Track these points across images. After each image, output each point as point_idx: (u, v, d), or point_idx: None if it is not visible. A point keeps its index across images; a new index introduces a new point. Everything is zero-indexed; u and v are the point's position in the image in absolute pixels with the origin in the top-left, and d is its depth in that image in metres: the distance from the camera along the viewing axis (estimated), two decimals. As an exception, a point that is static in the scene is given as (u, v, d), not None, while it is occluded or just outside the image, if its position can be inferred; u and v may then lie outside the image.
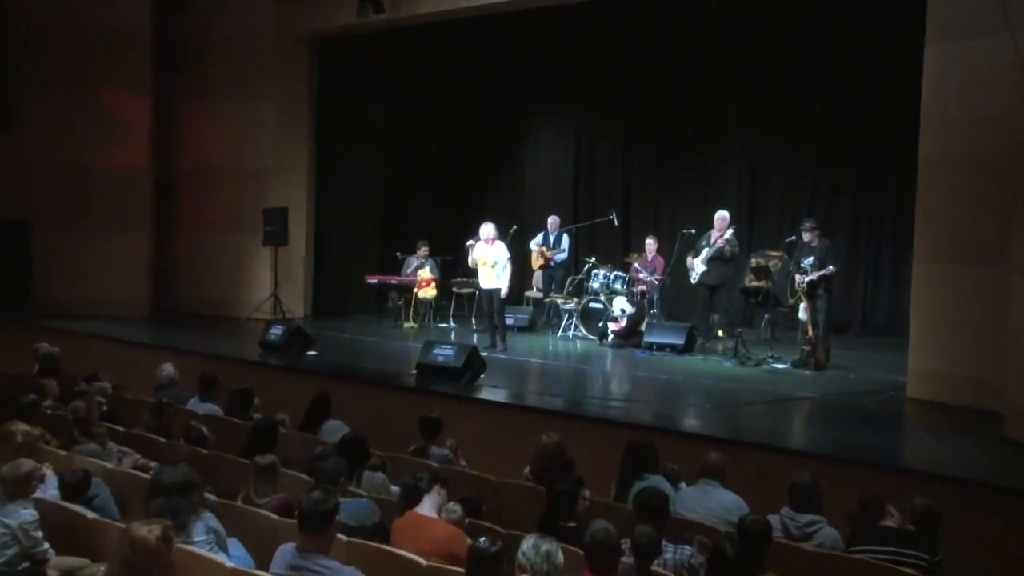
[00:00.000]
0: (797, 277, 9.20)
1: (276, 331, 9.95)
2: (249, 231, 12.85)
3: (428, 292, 12.16)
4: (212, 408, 7.02)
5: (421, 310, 12.31)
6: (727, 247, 10.22)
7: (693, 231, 11.09)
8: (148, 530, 3.34)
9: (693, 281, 10.62)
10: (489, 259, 10.05)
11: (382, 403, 8.14)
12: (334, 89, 13.44)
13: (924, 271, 8.14)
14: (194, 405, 7.12)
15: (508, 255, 10.16)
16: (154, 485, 4.19)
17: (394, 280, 12.37)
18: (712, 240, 10.44)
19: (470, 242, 10.31)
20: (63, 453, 5.41)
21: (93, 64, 12.56)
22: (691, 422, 7.32)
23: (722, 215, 10.54)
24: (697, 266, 10.46)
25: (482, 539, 3.68)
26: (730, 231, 10.23)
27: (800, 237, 9.38)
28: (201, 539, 4.05)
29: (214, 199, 13.29)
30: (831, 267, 9.01)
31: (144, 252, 13.11)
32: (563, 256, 12.19)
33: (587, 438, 6.70)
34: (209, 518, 4.18)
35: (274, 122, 13.03)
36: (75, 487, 4.67)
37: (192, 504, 4.10)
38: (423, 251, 12.35)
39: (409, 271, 12.35)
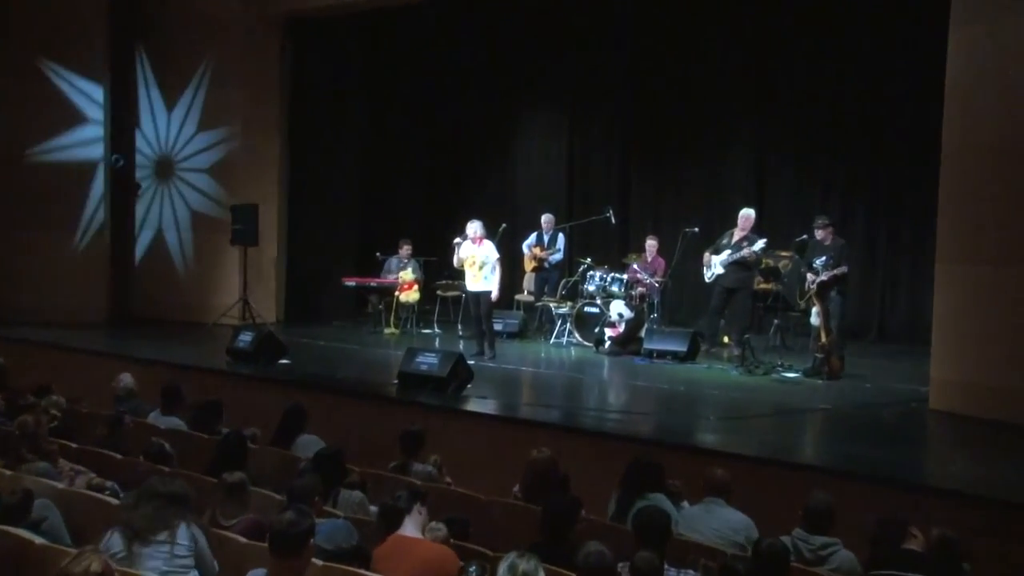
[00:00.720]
0: (808, 277, 9.21)
1: (245, 338, 9.90)
2: (216, 230, 12.80)
3: (411, 295, 12.14)
4: (175, 422, 6.97)
5: (403, 315, 12.29)
6: (752, 256, 10.18)
7: (696, 230, 11.10)
8: (83, 568, 3.29)
9: (708, 279, 10.54)
10: (476, 260, 10.03)
11: (360, 416, 8.10)
12: (308, 76, 13.41)
13: (947, 272, 8.13)
14: (155, 419, 7.07)
15: (497, 255, 10.15)
16: (144, 492, 4.19)
17: (374, 282, 12.33)
18: (735, 239, 10.40)
19: (456, 240, 10.29)
20: (8, 473, 5.35)
21: (43, 49, 12.45)
22: (694, 435, 7.31)
23: (747, 214, 10.48)
24: (715, 265, 10.42)
25: (472, 568, 3.64)
26: (761, 243, 10.14)
27: (812, 236, 9.39)
28: (183, 544, 4.08)
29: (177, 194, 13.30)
30: (844, 267, 9.02)
31: (102, 253, 13.04)
32: (558, 256, 12.19)
33: (582, 453, 6.69)
34: (198, 532, 4.18)
35: (242, 111, 12.98)
36: (14, 508, 4.53)
37: (181, 515, 4.14)
38: (405, 251, 12.32)
39: (390, 273, 12.32)
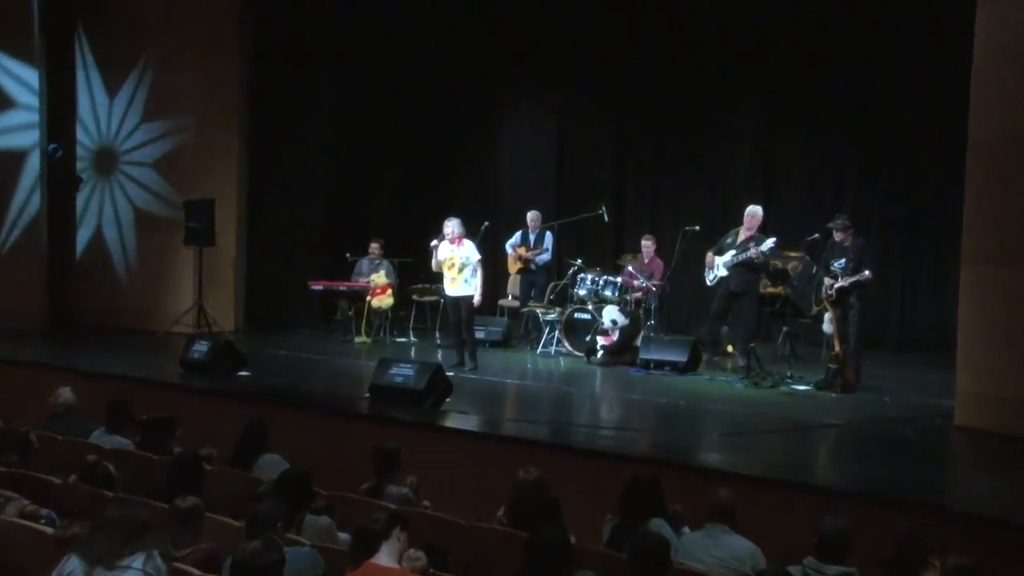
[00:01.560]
0: (826, 281, 9.22)
1: (200, 348, 9.86)
2: (167, 228, 12.75)
3: (384, 301, 12.11)
4: (121, 441, 6.92)
5: (375, 322, 12.26)
6: (760, 257, 10.20)
7: (697, 228, 11.12)
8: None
9: (710, 282, 10.56)
10: (456, 261, 10.03)
11: (328, 433, 8.08)
12: (271, 60, 13.35)
13: (973, 275, 8.13)
14: (99, 438, 7.01)
15: (479, 256, 10.14)
16: (103, 519, 4.16)
17: (343, 286, 12.31)
18: (740, 239, 10.42)
19: (433, 243, 10.27)
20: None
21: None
22: (696, 454, 7.32)
23: (754, 211, 10.49)
24: (718, 267, 10.44)
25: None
26: (770, 243, 10.15)
27: (830, 236, 9.40)
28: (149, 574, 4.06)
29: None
30: (867, 272, 9.01)
31: (35, 252, 12.95)
32: (546, 257, 12.20)
33: (573, 473, 6.68)
34: (161, 564, 4.16)
35: (195, 98, 12.93)
36: None
37: (143, 544, 4.12)
38: (377, 251, 12.31)
39: (361, 276, 12.29)
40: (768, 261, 10.34)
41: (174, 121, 12.99)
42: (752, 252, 10.15)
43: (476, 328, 10.75)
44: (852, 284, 9.05)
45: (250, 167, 13.37)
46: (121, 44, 13.07)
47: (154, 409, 7.41)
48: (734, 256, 10.31)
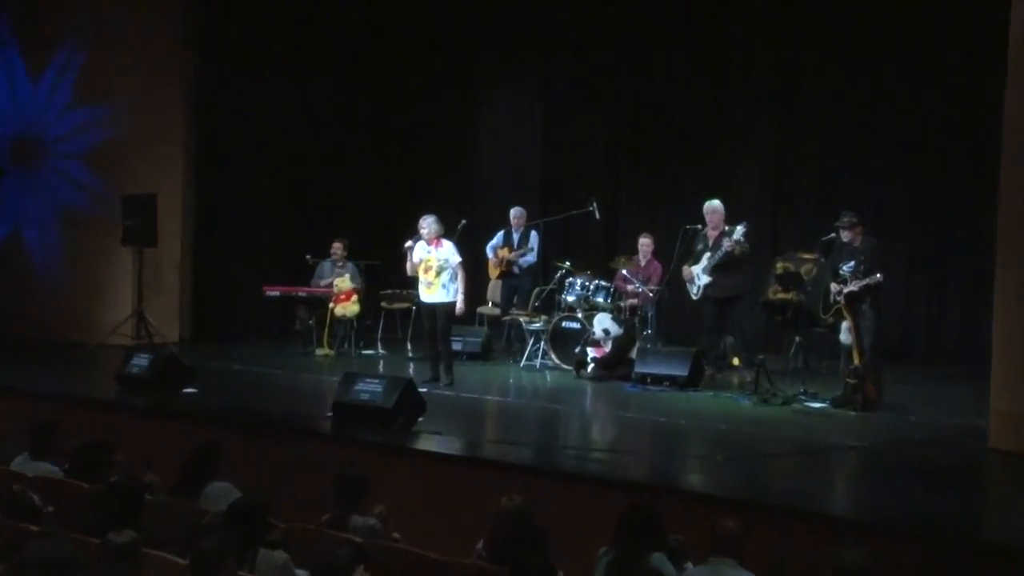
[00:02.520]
0: (833, 287, 9.24)
1: (140, 362, 9.80)
2: (102, 227, 12.70)
3: (348, 308, 12.08)
4: (48, 468, 6.85)
5: (339, 332, 12.25)
6: (736, 248, 10.27)
7: (700, 227, 11.11)
8: None
9: (695, 297, 10.69)
10: (433, 264, 10.02)
11: (286, 457, 8.04)
12: (222, 37, 13.31)
13: (1010, 280, 8.12)
14: (22, 464, 6.93)
15: (459, 259, 10.14)
16: (23, 560, 4.10)
17: (303, 292, 12.29)
18: (711, 241, 10.49)
19: (408, 245, 10.24)
20: None
21: None
22: (699, 479, 7.32)
23: (713, 206, 10.64)
24: (699, 277, 10.51)
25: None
26: (740, 228, 10.27)
27: (838, 235, 9.43)
28: None
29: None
30: (878, 275, 9.03)
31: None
32: (531, 259, 12.19)
33: (562, 501, 6.67)
34: None
35: (133, 79, 12.85)
36: None
37: None
38: (341, 252, 12.29)
39: (323, 280, 12.25)
40: (747, 249, 10.38)
41: (109, 107, 12.91)
42: (727, 245, 10.24)
43: (453, 339, 10.72)
44: (863, 289, 9.06)
45: (197, 159, 13.33)
46: (47, 19, 12.98)
47: (86, 432, 7.35)
48: (711, 259, 10.40)
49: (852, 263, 9.20)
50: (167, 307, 12.93)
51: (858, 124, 12.38)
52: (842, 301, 9.16)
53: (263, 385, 10.56)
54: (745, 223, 10.40)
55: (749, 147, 13.03)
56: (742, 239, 10.31)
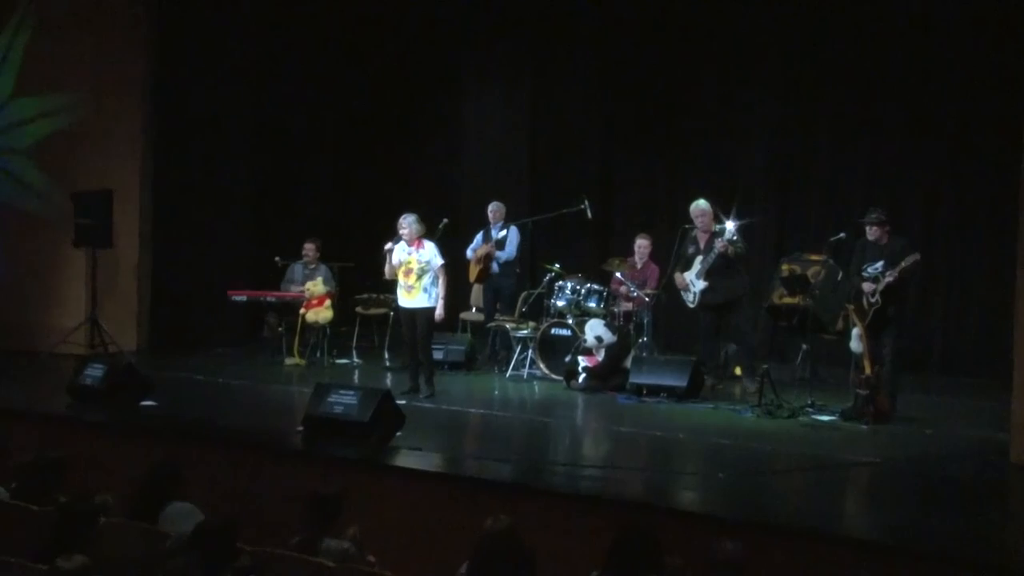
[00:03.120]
0: (866, 287, 9.23)
1: (95, 372, 9.77)
2: (51, 227, 12.68)
3: (321, 314, 12.07)
4: (-7, 487, 6.83)
5: (311, 340, 12.24)
6: (729, 248, 10.30)
7: (688, 227, 11.12)
8: None
9: (692, 305, 10.75)
10: (414, 267, 10.04)
11: (253, 475, 8.03)
12: (181, 21, 13.28)
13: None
14: (-34, 484, 6.91)
15: (441, 261, 10.14)
16: None
17: (272, 296, 12.28)
18: (702, 244, 10.52)
19: (389, 245, 10.23)
20: None
21: None
22: (698, 498, 7.32)
23: (701, 207, 10.71)
24: (693, 283, 10.55)
25: None
26: (731, 226, 10.31)
27: (860, 236, 9.43)
28: None
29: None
30: (915, 255, 9.00)
31: None
32: (510, 252, 12.18)
33: (551, 522, 6.67)
34: None
35: (87, 67, 12.84)
36: None
37: None
38: (313, 254, 12.28)
39: (294, 283, 12.25)
40: (741, 248, 10.41)
41: (59, 97, 12.88)
42: (719, 245, 10.29)
43: (434, 347, 10.73)
44: (901, 275, 9.00)
45: (156, 152, 13.25)
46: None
47: (35, 448, 7.32)
48: (703, 262, 10.46)
49: (880, 263, 9.18)
50: (123, 313, 12.87)
51: (872, 116, 12.38)
52: (878, 301, 9.13)
53: (228, 397, 10.53)
54: (735, 219, 10.44)
55: (753, 140, 13.03)
56: (735, 238, 10.36)
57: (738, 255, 10.46)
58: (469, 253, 12.31)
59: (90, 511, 5.87)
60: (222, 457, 8.29)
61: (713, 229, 10.54)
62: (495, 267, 12.15)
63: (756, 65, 12.96)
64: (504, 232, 12.20)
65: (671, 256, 11.09)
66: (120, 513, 6.51)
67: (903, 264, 9.03)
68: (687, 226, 11.09)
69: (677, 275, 10.73)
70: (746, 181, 12.70)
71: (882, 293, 9.13)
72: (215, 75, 13.51)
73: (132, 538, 5.99)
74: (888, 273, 9.08)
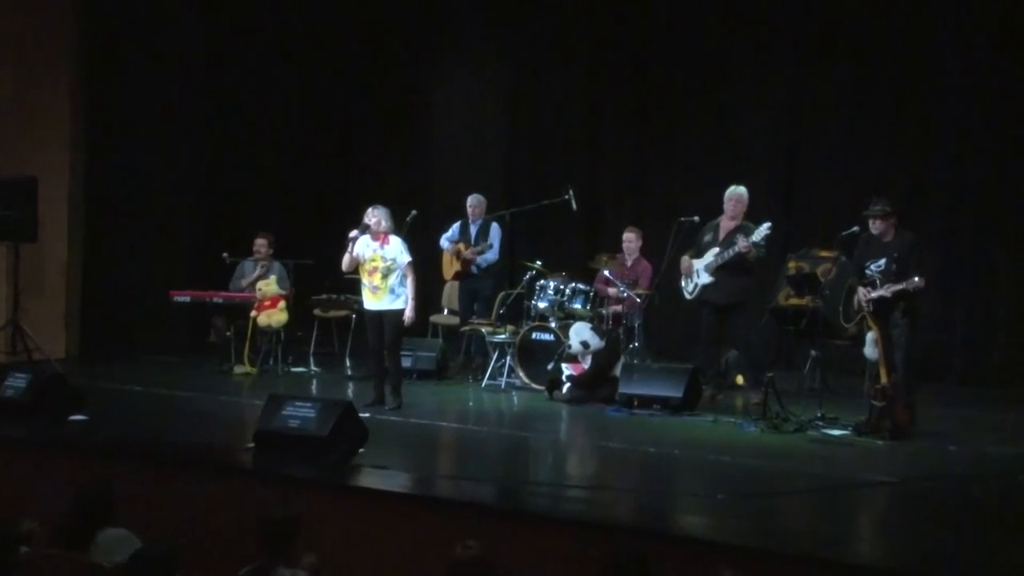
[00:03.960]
0: (860, 291, 9.26)
1: (16, 383, 9.72)
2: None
3: (274, 316, 12.06)
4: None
5: (263, 346, 12.24)
6: (752, 250, 10.30)
7: (697, 219, 11.17)
8: None
9: (689, 296, 10.77)
10: (380, 264, 10.05)
11: (198, 498, 7.99)
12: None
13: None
14: None
15: (409, 259, 10.14)
16: None
17: (219, 297, 12.25)
18: (720, 234, 10.52)
19: (353, 233, 10.19)
20: None
21: None
22: (695, 521, 7.31)
23: (737, 193, 10.68)
24: (699, 273, 10.54)
25: None
26: (764, 229, 10.28)
27: (865, 228, 9.45)
28: None
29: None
30: (916, 279, 9.02)
31: None
32: (492, 256, 12.21)
33: (530, 548, 6.67)
34: None
35: (10, 41, 12.78)
36: None
37: None
38: (265, 250, 12.29)
39: (244, 283, 12.23)
40: (762, 255, 10.42)
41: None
42: (741, 244, 10.27)
43: (402, 353, 10.73)
44: (896, 294, 9.05)
45: (89, 136, 13.25)
46: None
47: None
48: (718, 255, 10.47)
49: (883, 260, 9.19)
50: (50, 316, 12.87)
51: (889, 99, 12.46)
52: (868, 308, 9.16)
53: (169, 410, 10.47)
54: (770, 224, 10.40)
55: (757, 124, 13.08)
56: (762, 242, 10.32)
57: (757, 260, 10.46)
58: (444, 244, 12.32)
59: (11, 540, 5.84)
60: (162, 478, 8.25)
61: (740, 223, 10.51)
62: (474, 269, 12.16)
63: (758, 42, 13.01)
64: (489, 232, 12.17)
65: (665, 252, 11.11)
66: (46, 542, 6.48)
67: (903, 285, 8.95)
68: (682, 219, 11.13)
69: (684, 258, 10.72)
70: (748, 168, 12.69)
71: (872, 301, 9.14)
72: (155, 54, 13.49)
73: (60, 570, 5.96)
74: (885, 287, 9.06)
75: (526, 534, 6.93)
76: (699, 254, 10.64)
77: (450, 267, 12.33)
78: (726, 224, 10.62)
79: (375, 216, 10.05)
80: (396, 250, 10.08)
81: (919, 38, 12.17)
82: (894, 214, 9.34)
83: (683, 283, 10.75)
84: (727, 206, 10.66)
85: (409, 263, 10.10)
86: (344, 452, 8.24)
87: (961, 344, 12.22)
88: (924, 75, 12.21)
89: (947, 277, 11.98)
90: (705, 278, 10.55)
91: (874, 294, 9.12)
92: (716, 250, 10.51)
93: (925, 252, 9.81)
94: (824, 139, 12.87)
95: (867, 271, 9.29)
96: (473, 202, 12.34)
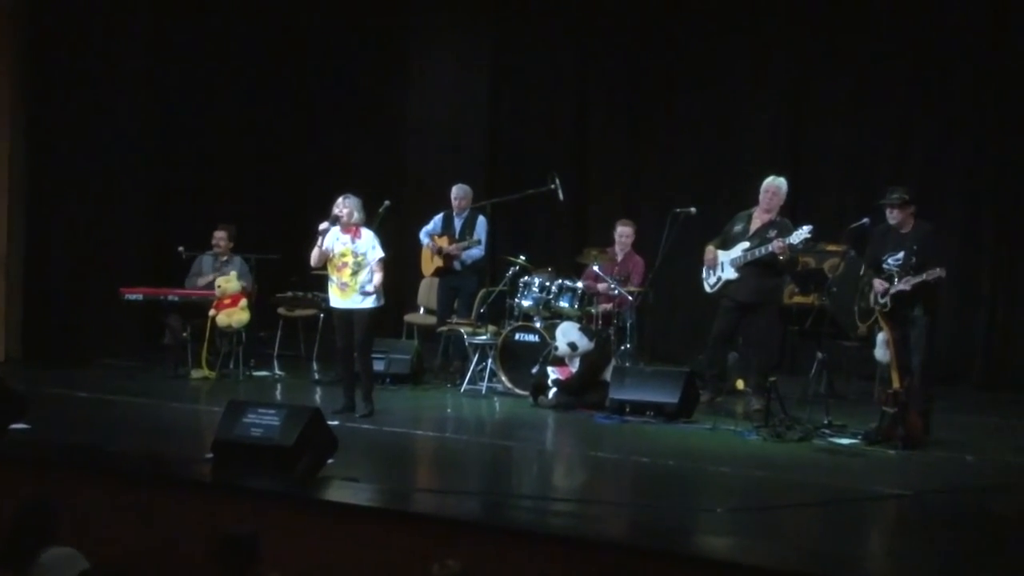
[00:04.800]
0: (876, 285, 9.25)
1: (-46, 388, 9.70)
2: None
3: (235, 316, 12.03)
4: None
5: (222, 347, 12.23)
6: (787, 252, 10.27)
7: (693, 211, 11.18)
8: None
9: (710, 288, 10.72)
10: (351, 258, 10.06)
11: (150, 514, 7.95)
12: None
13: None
14: None
15: (382, 254, 10.14)
16: None
17: (174, 295, 12.23)
18: (753, 227, 10.51)
19: (324, 225, 10.18)
20: None
21: None
22: (693, 538, 7.32)
23: (775, 186, 10.62)
24: (723, 267, 10.53)
25: None
26: (804, 232, 10.19)
27: (879, 219, 9.46)
28: None
29: None
30: (938, 270, 9.03)
31: None
32: (478, 253, 12.21)
33: (513, 567, 6.65)
34: None
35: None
36: None
37: None
38: (225, 244, 12.28)
39: (202, 279, 12.22)
40: (798, 259, 10.40)
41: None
42: (776, 245, 10.20)
43: (374, 356, 10.74)
44: (916, 287, 9.06)
45: (29, 126, 13.22)
46: None
47: None
48: (747, 251, 10.39)
49: (901, 254, 9.20)
50: (-11, 317, 12.83)
51: (901, 82, 12.51)
52: (887, 304, 9.14)
53: (119, 418, 10.45)
54: (812, 227, 10.28)
55: (756, 108, 13.11)
56: (799, 245, 10.28)
57: (789, 263, 10.46)
58: (424, 238, 12.30)
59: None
60: (111, 492, 8.20)
61: (776, 219, 10.48)
62: (457, 265, 12.14)
63: (758, 20, 13.03)
64: (475, 225, 12.14)
65: (659, 246, 11.10)
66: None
67: (924, 276, 8.97)
68: (677, 209, 11.12)
69: (709, 248, 10.67)
70: (748, 156, 12.73)
71: (892, 296, 9.14)
72: (102, 38, 13.45)
73: (0, 591, 5.95)
74: (904, 280, 9.06)
75: (510, 552, 6.92)
76: (725, 245, 10.58)
77: (429, 263, 12.30)
78: (761, 216, 10.55)
79: (346, 207, 10.04)
80: (367, 244, 10.07)
81: (931, 22, 12.18)
82: (912, 203, 9.34)
83: (704, 274, 10.70)
84: (763, 198, 10.57)
85: (380, 259, 10.09)
86: (311, 463, 8.21)
87: (980, 345, 12.26)
88: (941, 61, 12.22)
89: (966, 276, 11.98)
90: (730, 273, 10.50)
91: (894, 289, 9.11)
92: (746, 244, 10.47)
93: (945, 242, 9.81)
94: (830, 124, 12.89)
95: (884, 265, 9.28)
96: (459, 193, 12.29)
